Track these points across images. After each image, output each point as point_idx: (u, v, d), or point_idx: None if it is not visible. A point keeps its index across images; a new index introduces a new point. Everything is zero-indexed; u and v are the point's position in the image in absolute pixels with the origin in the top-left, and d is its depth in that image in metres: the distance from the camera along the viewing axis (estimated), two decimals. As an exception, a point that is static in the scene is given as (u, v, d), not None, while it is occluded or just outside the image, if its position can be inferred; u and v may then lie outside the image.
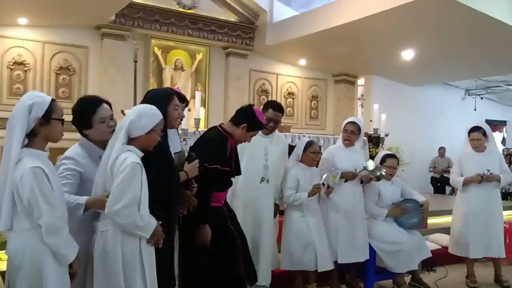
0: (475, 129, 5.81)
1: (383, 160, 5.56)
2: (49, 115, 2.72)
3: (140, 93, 9.90)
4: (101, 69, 10.54)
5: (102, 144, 3.24)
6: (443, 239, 6.82)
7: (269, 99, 12.75)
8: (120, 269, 2.86)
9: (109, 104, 3.34)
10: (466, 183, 5.72)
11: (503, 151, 14.90)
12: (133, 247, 2.92)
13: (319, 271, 4.94)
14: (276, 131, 5.02)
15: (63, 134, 2.86)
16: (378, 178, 5.28)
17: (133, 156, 2.94)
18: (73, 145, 3.26)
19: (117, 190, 2.85)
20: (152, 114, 3.07)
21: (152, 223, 2.97)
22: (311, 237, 4.91)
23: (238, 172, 4.24)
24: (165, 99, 3.37)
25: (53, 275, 2.64)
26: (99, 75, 10.54)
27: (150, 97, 3.45)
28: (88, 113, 3.20)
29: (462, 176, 5.81)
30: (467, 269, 5.88)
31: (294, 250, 4.93)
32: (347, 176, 5.22)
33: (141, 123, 3.01)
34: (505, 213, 7.96)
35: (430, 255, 5.51)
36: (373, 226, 5.41)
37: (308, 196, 4.88)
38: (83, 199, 2.97)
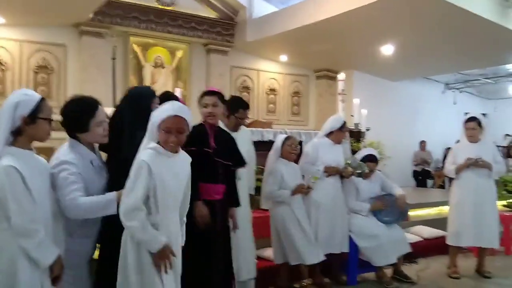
0: (471, 119, 5.89)
1: (363, 160, 5.62)
2: (35, 114, 2.67)
3: (120, 91, 9.84)
4: (80, 67, 10.42)
5: (91, 147, 3.19)
6: (423, 231, 6.87)
7: (251, 95, 12.76)
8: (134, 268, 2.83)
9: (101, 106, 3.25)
10: (458, 170, 5.78)
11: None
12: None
13: (311, 263, 5.00)
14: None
15: (50, 134, 2.80)
16: (360, 175, 5.35)
17: (145, 154, 2.86)
18: (63, 148, 3.11)
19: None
20: (158, 110, 2.98)
21: (158, 241, 2.82)
22: (302, 230, 4.95)
23: (239, 163, 4.31)
24: (149, 99, 3.37)
25: (27, 277, 2.55)
26: (78, 73, 10.41)
27: (133, 94, 3.43)
28: (87, 116, 3.08)
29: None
30: (450, 260, 5.93)
31: (288, 245, 4.96)
32: (331, 171, 5.29)
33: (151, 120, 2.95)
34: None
35: (410, 250, 5.56)
36: (353, 221, 5.46)
37: (292, 195, 4.92)
38: (112, 195, 2.94)
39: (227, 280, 4.17)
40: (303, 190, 4.99)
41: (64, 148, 3.10)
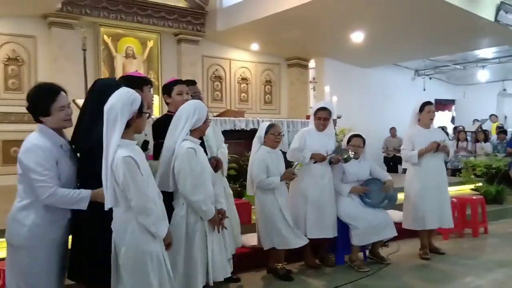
0: (428, 103, 6.01)
1: (348, 140, 5.74)
2: (142, 109, 3.08)
3: (91, 82, 9.77)
4: (50, 59, 10.38)
5: (58, 131, 3.25)
6: (394, 215, 6.96)
7: (223, 85, 12.86)
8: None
9: (65, 92, 3.32)
10: (422, 154, 5.86)
11: (453, 129, 15.30)
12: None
13: (295, 247, 5.11)
14: None
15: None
16: (346, 160, 5.47)
17: (188, 143, 3.66)
18: (32, 134, 3.18)
19: (179, 175, 3.60)
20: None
21: (213, 210, 3.71)
22: (285, 217, 5.06)
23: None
24: (115, 89, 3.34)
25: (151, 247, 3.01)
26: (48, 65, 10.38)
27: (97, 87, 3.48)
28: (48, 101, 3.16)
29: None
30: (421, 242, 6.04)
31: (274, 231, 5.05)
32: (317, 158, 5.38)
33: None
34: (453, 188, 8.28)
35: (395, 235, 5.67)
36: (339, 202, 5.58)
37: (281, 180, 5.02)
38: (87, 193, 3.15)
39: None
40: (291, 175, 5.10)
41: (35, 133, 3.18)
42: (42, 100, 3.18)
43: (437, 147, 5.85)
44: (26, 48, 10.26)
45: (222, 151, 4.79)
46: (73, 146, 3.35)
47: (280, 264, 5.21)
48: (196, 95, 4.84)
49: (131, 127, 3.03)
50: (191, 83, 5.01)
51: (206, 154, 4.09)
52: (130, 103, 2.99)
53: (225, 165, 4.77)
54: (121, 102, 2.97)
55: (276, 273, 5.21)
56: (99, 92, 3.36)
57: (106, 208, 2.97)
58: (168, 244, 3.22)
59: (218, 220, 3.75)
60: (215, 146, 4.74)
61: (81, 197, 3.10)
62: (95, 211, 3.08)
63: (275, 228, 5.04)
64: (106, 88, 3.35)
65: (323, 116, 5.50)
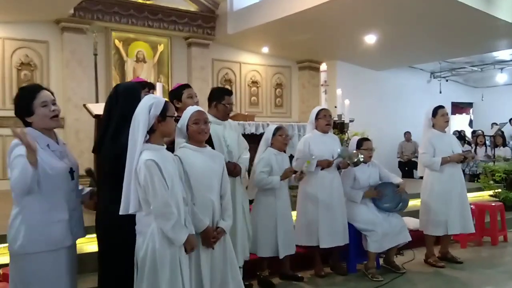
0: (440, 107, 5.93)
1: (359, 145, 5.62)
2: (165, 113, 3.15)
3: (102, 87, 9.80)
4: (62, 64, 10.43)
5: (47, 132, 3.18)
6: (410, 222, 6.81)
7: (233, 88, 12.80)
8: None
9: (51, 93, 3.27)
10: (445, 162, 5.77)
11: (472, 133, 15.08)
12: None
13: (280, 257, 5.01)
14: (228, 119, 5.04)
15: (175, 130, 3.42)
16: (356, 164, 5.36)
17: (178, 151, 3.61)
18: (14, 140, 3.03)
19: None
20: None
21: (203, 223, 3.49)
22: (277, 224, 4.97)
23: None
24: (138, 93, 3.47)
25: (169, 253, 3.04)
26: (60, 70, 10.44)
27: (122, 91, 3.49)
28: (28, 99, 3.12)
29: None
30: (428, 249, 5.96)
31: (260, 237, 4.97)
32: (323, 164, 5.30)
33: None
34: (471, 194, 8.14)
35: (409, 239, 5.58)
36: (351, 209, 5.50)
37: (280, 180, 4.93)
38: (19, 150, 2.91)
39: None
40: (291, 173, 5.00)
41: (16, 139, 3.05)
42: (23, 99, 3.14)
43: (463, 160, 5.83)
44: (38, 53, 10.32)
45: (244, 157, 4.76)
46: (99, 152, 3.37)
47: (262, 272, 5.14)
48: (227, 107, 4.81)
49: (156, 132, 3.14)
50: (230, 93, 4.96)
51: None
52: (147, 109, 3.08)
53: (243, 173, 4.73)
54: (139, 108, 3.09)
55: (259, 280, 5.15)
56: (124, 99, 3.41)
57: (122, 212, 3.04)
58: (191, 248, 3.21)
59: (210, 236, 3.48)
60: (237, 151, 4.73)
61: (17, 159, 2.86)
62: (126, 220, 3.08)
63: (261, 234, 4.96)
64: (128, 95, 3.43)
65: (328, 114, 5.47)
